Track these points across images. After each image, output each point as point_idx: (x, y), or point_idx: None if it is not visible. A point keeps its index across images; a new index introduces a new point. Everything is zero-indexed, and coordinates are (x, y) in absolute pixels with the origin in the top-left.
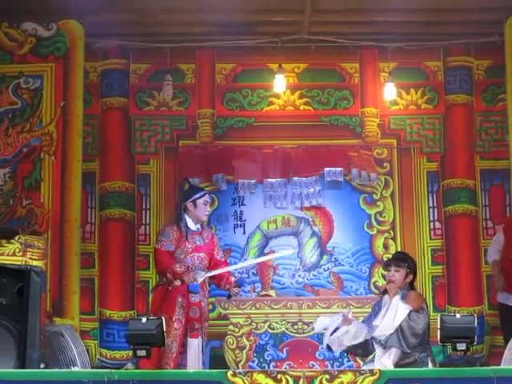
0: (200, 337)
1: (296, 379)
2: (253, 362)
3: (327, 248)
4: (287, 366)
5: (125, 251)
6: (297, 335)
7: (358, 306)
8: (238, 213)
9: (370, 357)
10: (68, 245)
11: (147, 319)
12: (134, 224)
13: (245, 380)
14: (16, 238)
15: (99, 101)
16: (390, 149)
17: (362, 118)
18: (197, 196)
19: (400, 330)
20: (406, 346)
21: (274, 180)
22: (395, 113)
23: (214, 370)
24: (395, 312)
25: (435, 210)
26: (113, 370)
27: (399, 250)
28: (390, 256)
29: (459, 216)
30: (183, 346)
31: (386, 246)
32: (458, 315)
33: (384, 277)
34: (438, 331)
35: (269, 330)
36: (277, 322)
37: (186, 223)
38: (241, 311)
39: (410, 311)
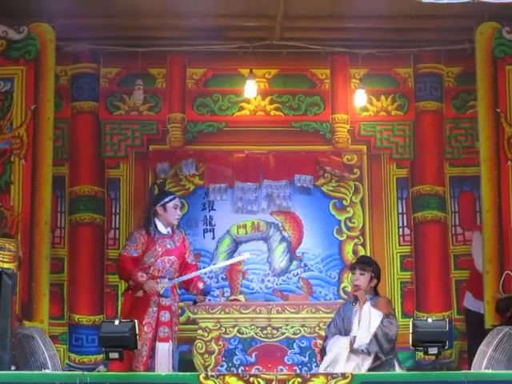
0: (170, 341)
1: (268, 382)
2: (221, 366)
3: (297, 253)
4: (256, 371)
5: (94, 255)
6: (266, 340)
7: (328, 312)
8: (208, 218)
9: None
10: (38, 248)
11: (120, 322)
12: (103, 228)
13: (217, 382)
14: None
15: (69, 105)
16: (360, 155)
17: (333, 124)
18: (166, 200)
19: (375, 337)
20: (381, 353)
21: (244, 184)
22: (365, 119)
23: (187, 373)
24: (369, 320)
25: (404, 216)
26: (85, 372)
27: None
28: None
29: (428, 222)
30: (153, 350)
31: (355, 252)
32: (429, 320)
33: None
34: (410, 335)
35: (238, 334)
36: (246, 327)
37: (156, 227)
38: (210, 316)
39: (382, 317)
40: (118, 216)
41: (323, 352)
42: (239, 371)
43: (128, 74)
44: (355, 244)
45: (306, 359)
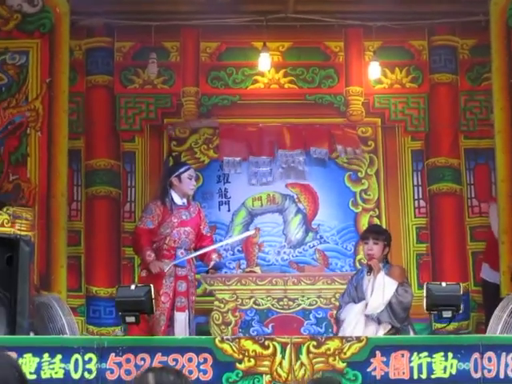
0: (187, 310)
1: (283, 345)
2: None
3: (312, 225)
4: None
5: (111, 228)
6: (282, 311)
7: (343, 283)
8: (223, 190)
9: None
10: (55, 219)
11: (136, 286)
12: (119, 201)
13: (233, 346)
14: (4, 209)
15: (84, 79)
16: (375, 127)
17: (347, 96)
18: (181, 170)
19: (389, 306)
20: (396, 321)
21: (258, 157)
22: (380, 92)
23: (203, 337)
24: (383, 288)
25: (420, 188)
26: (102, 337)
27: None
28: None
29: (444, 194)
30: (170, 320)
31: None
32: (443, 284)
33: None
34: (424, 299)
35: (254, 306)
36: (262, 298)
37: (172, 198)
38: (226, 287)
39: (397, 286)
40: (133, 189)
41: (337, 321)
42: None
43: (142, 47)
44: (371, 216)
45: (323, 330)
